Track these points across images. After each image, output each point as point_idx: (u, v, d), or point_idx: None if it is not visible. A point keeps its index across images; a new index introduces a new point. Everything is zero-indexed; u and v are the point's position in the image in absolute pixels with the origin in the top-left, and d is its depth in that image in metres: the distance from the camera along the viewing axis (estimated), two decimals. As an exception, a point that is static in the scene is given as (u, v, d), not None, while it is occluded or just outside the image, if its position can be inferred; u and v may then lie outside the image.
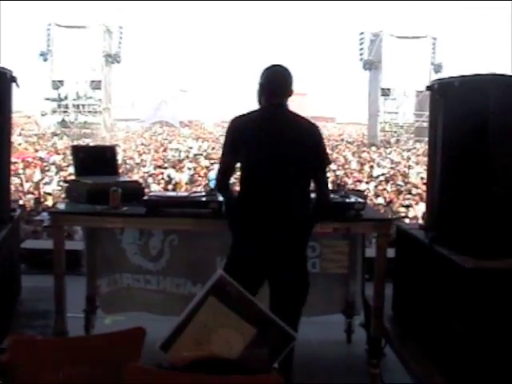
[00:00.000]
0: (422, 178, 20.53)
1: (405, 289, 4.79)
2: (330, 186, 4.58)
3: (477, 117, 3.74)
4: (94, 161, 5.44)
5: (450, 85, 3.98)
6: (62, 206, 5.22)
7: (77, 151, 5.58)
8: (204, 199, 4.69)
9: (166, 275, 5.62)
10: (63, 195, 13.52)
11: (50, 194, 14.48)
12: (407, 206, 14.49)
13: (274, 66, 4.26)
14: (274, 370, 2.49)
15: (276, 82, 4.20)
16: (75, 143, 36.41)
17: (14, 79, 4.57)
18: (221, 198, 4.59)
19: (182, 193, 4.93)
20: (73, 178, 5.64)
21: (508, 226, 3.85)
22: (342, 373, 5.18)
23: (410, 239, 4.61)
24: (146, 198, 4.81)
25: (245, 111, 4.29)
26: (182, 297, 5.57)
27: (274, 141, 4.07)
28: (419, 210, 15.07)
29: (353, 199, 4.82)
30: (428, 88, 4.35)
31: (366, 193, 12.04)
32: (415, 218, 13.77)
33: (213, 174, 19.56)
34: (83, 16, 43.35)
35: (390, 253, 4.80)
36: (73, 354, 2.65)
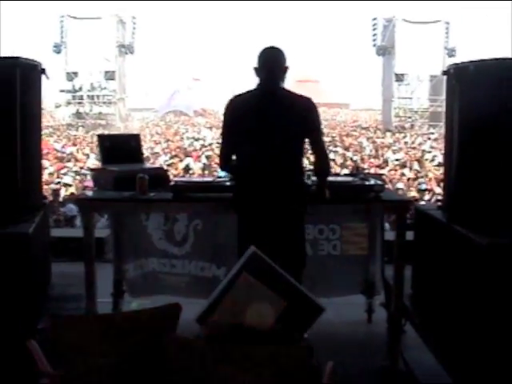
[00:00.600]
0: (439, 164, 20.55)
1: (424, 268, 4.92)
2: (329, 155, 5.01)
3: (492, 100, 3.87)
4: (119, 149, 5.60)
5: (465, 69, 4.10)
6: (89, 194, 5.38)
7: (102, 140, 5.73)
8: (229, 184, 4.85)
9: (190, 259, 5.77)
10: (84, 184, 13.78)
11: (69, 185, 14.63)
12: (424, 190, 14.55)
13: (266, 48, 4.52)
14: (304, 340, 2.66)
15: (269, 63, 4.44)
16: (90, 133, 36.74)
17: (43, 71, 4.74)
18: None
19: (207, 178, 5.06)
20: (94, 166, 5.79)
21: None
22: (364, 351, 5.30)
23: (429, 219, 4.75)
24: (172, 183, 4.97)
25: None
26: (206, 280, 5.74)
27: (266, 116, 4.37)
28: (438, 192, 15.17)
29: (372, 181, 4.96)
30: (444, 73, 4.48)
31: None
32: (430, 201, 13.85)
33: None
34: (96, 7, 43.40)
35: (408, 235, 4.94)
36: (114, 329, 2.81)
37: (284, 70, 4.47)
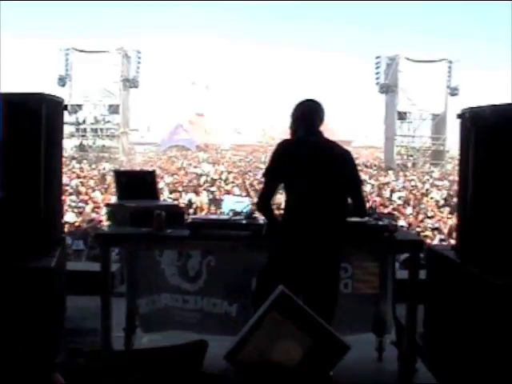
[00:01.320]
0: (438, 204, 20.73)
1: (436, 307, 4.98)
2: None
3: (508, 144, 3.97)
4: (136, 185, 5.69)
5: (481, 113, 4.21)
6: (106, 229, 5.45)
7: (119, 176, 5.83)
8: (245, 222, 4.93)
9: (203, 295, 5.82)
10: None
11: (72, 223, 14.66)
12: (435, 229, 14.68)
13: (307, 100, 4.85)
14: (330, 378, 2.72)
15: (313, 115, 4.77)
16: (93, 167, 36.86)
17: (66, 107, 4.85)
18: (261, 221, 4.87)
19: (223, 216, 5.15)
20: (111, 201, 5.86)
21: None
22: (375, 389, 5.35)
23: (442, 259, 4.83)
24: (189, 220, 5.05)
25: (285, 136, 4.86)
26: (218, 316, 5.78)
27: (315, 165, 4.58)
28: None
29: (386, 222, 5.04)
30: (459, 116, 4.59)
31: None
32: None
33: (227, 197, 19.84)
34: (101, 41, 43.77)
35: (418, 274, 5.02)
36: (137, 365, 2.86)
37: (321, 122, 4.79)
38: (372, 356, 5.96)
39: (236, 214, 5.14)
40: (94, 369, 2.82)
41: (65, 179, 27.21)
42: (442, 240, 13.84)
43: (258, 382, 2.59)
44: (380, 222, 5.02)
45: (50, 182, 4.60)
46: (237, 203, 18.56)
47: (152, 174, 6.02)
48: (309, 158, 4.59)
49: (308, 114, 4.74)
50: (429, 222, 16.62)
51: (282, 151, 4.69)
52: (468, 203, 4.40)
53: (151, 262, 5.84)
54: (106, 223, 14.09)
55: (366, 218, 5.16)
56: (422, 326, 5.20)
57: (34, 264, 4.24)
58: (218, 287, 5.80)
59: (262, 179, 4.92)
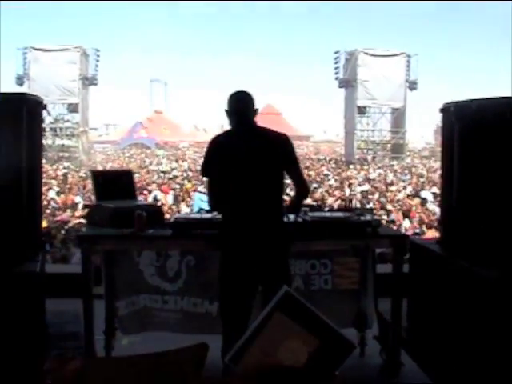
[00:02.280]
0: (408, 196, 20.94)
1: (420, 301, 5.00)
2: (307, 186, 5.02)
3: (494, 138, 3.98)
4: (113, 185, 5.61)
5: (466, 107, 4.22)
6: (84, 230, 5.37)
7: (96, 176, 5.74)
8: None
9: (183, 295, 5.77)
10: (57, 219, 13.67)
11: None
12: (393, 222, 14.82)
13: (236, 92, 4.78)
14: (336, 377, 2.68)
15: (240, 108, 4.68)
16: (54, 167, 36.48)
17: (45, 107, 4.76)
18: None
19: (206, 215, 5.10)
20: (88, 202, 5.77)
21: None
22: (358, 385, 5.35)
23: (426, 253, 4.84)
24: (173, 220, 4.99)
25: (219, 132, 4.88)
26: (199, 315, 5.74)
27: (245, 154, 4.56)
28: (404, 225, 15.46)
29: (369, 217, 5.03)
30: (442, 110, 4.59)
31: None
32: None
33: (197, 194, 19.75)
34: (59, 39, 43.40)
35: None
36: (135, 372, 2.80)
37: (255, 112, 4.72)
38: (354, 351, 5.94)
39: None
40: (90, 377, 2.75)
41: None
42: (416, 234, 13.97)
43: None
44: (363, 218, 5.01)
45: (32, 184, 4.50)
46: (205, 202, 18.49)
47: (129, 173, 5.94)
48: (239, 148, 4.57)
49: (237, 106, 4.68)
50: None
51: (212, 146, 4.71)
52: (453, 197, 4.41)
53: (129, 262, 5.76)
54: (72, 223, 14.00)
55: (348, 214, 5.15)
56: (406, 320, 5.20)
57: (19, 268, 4.15)
58: (198, 287, 5.75)
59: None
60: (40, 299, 4.23)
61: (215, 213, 4.92)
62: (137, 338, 5.84)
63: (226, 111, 4.68)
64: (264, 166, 4.55)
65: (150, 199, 19.11)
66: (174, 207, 17.97)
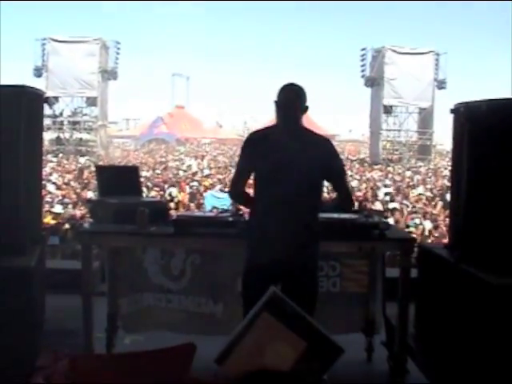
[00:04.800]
0: (427, 199, 20.83)
1: (428, 306, 4.99)
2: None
3: (504, 140, 3.96)
4: (118, 181, 5.64)
5: (476, 108, 4.20)
6: (86, 226, 5.41)
7: (101, 171, 5.78)
8: (231, 219, 4.90)
9: (187, 294, 5.79)
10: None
11: (59, 213, 14.55)
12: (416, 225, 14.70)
13: (287, 85, 4.57)
14: (324, 381, 2.70)
15: (289, 101, 4.48)
16: (70, 160, 36.68)
17: (46, 100, 4.80)
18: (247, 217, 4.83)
19: (208, 213, 5.13)
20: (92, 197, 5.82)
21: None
22: (364, 391, 5.35)
23: (434, 257, 4.83)
24: (175, 217, 5.02)
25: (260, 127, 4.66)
26: (203, 316, 5.77)
27: (285, 156, 4.35)
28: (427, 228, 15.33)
29: (376, 219, 5.03)
30: (452, 111, 4.58)
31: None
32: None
33: (209, 192, 19.84)
34: (79, 30, 43.62)
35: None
36: (123, 369, 2.83)
37: (304, 109, 4.53)
38: (361, 357, 5.96)
39: (222, 211, 5.11)
40: (76, 373, 2.79)
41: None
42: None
43: (249, 387, 2.57)
44: (371, 220, 5.01)
45: (30, 177, 4.55)
46: (218, 199, 18.55)
47: (135, 169, 6.00)
48: (276, 147, 4.39)
49: (285, 101, 4.49)
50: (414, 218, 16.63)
51: (249, 144, 4.56)
52: (462, 200, 4.40)
53: (133, 260, 5.80)
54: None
55: (356, 216, 5.13)
56: (413, 326, 5.19)
57: (13, 263, 4.19)
58: (203, 286, 5.78)
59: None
60: (34, 295, 4.25)
61: (231, 209, 4.88)
62: (140, 337, 5.87)
63: (275, 106, 4.51)
64: (300, 171, 4.33)
65: (166, 196, 19.19)
66: (192, 205, 17.99)
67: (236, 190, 4.59)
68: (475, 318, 4.05)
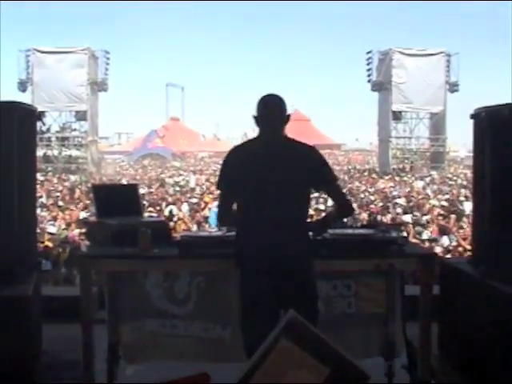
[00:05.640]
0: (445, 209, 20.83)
1: (452, 326, 4.97)
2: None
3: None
4: (116, 200, 5.64)
5: (499, 113, 4.20)
6: (84, 249, 5.40)
7: (98, 191, 5.78)
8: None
9: (193, 319, 5.77)
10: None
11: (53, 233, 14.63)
12: (433, 240, 14.68)
13: (266, 96, 4.68)
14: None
15: (270, 112, 4.59)
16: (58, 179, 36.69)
17: (39, 117, 4.82)
18: None
19: (215, 232, 5.13)
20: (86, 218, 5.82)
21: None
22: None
23: (458, 273, 4.82)
24: (179, 238, 5.02)
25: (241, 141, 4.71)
26: (211, 342, 5.74)
27: (270, 168, 4.47)
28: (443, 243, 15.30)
29: (394, 234, 5.03)
30: (472, 116, 4.58)
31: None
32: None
33: (214, 209, 19.87)
34: (66, 41, 43.76)
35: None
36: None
37: (286, 119, 4.63)
38: (381, 382, 5.93)
39: (229, 230, 5.10)
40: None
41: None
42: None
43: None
44: (387, 235, 5.01)
45: (24, 197, 4.55)
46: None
47: (134, 187, 5.99)
48: (260, 161, 4.51)
49: (265, 112, 4.59)
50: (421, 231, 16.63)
51: (231, 156, 4.66)
52: (486, 211, 4.40)
53: (135, 284, 5.78)
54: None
55: (371, 231, 5.13)
56: (437, 347, 5.18)
57: (9, 292, 4.19)
58: (210, 310, 5.75)
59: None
60: (32, 325, 4.25)
61: (229, 229, 4.91)
62: (142, 366, 5.85)
63: (254, 117, 4.61)
64: (287, 183, 4.46)
65: (166, 213, 19.25)
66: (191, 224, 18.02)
67: (225, 217, 4.75)
68: (505, 337, 4.04)
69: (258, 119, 4.60)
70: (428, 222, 18.21)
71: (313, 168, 4.56)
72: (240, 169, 4.56)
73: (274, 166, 4.47)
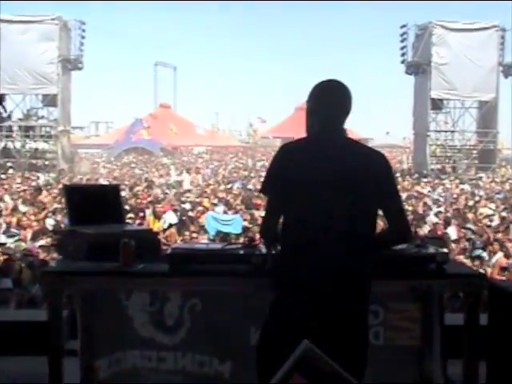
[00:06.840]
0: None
1: (504, 364, 4.98)
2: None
3: None
4: (94, 205, 5.66)
5: None
6: (53, 265, 5.43)
7: (71, 193, 5.78)
8: (243, 252, 4.93)
9: (185, 351, 5.80)
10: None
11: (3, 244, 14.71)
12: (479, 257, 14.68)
13: (326, 81, 4.57)
14: None
15: (328, 104, 4.49)
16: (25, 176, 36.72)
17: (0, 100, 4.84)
18: (264, 250, 4.84)
19: (213, 244, 5.15)
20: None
21: None
22: None
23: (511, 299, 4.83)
24: (169, 251, 5.04)
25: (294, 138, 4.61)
26: (206, 378, 5.77)
27: (323, 175, 4.33)
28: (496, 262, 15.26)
29: (432, 249, 5.03)
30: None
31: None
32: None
33: (210, 214, 19.94)
34: (32, 9, 43.57)
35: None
36: None
37: (345, 115, 4.54)
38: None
39: (231, 243, 5.13)
40: None
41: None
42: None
43: None
44: (424, 251, 5.02)
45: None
46: (223, 223, 18.60)
47: (115, 189, 6.01)
48: (315, 166, 4.35)
49: (321, 103, 4.49)
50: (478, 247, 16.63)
51: (281, 158, 4.51)
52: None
53: (115, 307, 5.81)
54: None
55: (404, 246, 5.09)
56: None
57: None
58: (206, 340, 5.79)
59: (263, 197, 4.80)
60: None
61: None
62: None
63: (307, 109, 4.54)
64: (347, 194, 4.31)
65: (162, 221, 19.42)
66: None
67: (269, 228, 4.56)
68: None
69: (311, 110, 4.53)
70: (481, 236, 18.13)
71: (378, 178, 4.40)
72: (287, 173, 4.40)
73: (329, 173, 4.33)
